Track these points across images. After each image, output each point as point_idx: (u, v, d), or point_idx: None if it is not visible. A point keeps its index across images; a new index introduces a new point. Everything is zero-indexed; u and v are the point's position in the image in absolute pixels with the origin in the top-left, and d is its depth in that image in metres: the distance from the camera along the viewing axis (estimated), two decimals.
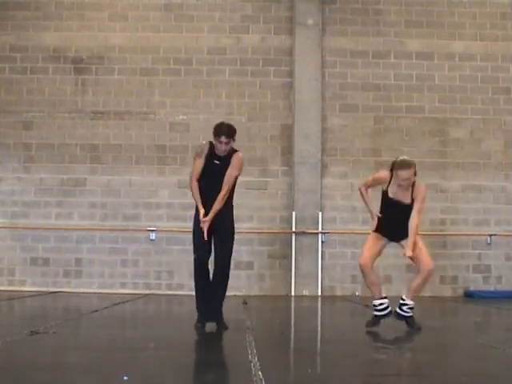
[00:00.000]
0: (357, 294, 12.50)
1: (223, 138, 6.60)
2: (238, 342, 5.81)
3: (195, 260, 6.70)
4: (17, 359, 4.90)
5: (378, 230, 7.01)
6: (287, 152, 12.87)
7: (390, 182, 6.88)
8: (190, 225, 11.84)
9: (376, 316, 6.95)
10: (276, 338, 6.67)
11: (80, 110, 12.88)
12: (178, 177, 12.54)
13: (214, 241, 6.71)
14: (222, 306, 6.73)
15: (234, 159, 6.70)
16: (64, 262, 12.60)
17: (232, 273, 12.28)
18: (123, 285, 12.56)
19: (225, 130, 6.68)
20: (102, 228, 12.65)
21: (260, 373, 4.28)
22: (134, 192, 12.76)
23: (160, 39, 12.99)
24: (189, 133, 12.73)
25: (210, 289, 6.68)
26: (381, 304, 6.95)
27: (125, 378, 4.10)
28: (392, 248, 12.00)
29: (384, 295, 7.00)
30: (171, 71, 12.95)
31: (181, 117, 12.91)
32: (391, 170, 6.90)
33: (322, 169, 12.76)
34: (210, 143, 6.75)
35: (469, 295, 12.50)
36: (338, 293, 12.55)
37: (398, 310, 7.01)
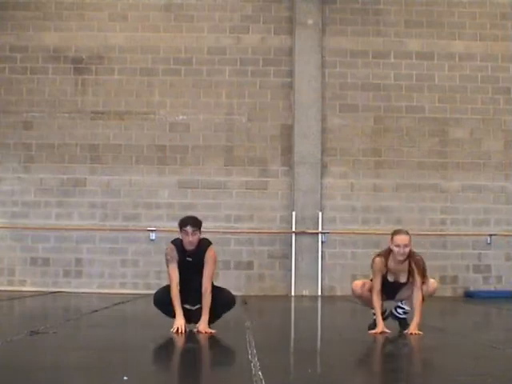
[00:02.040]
0: None
1: (189, 228, 6.36)
2: (238, 342, 5.81)
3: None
4: (17, 359, 4.90)
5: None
6: (287, 152, 12.87)
7: (386, 268, 6.76)
8: None
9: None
10: (276, 338, 6.67)
11: (80, 110, 12.88)
12: (177, 177, 12.55)
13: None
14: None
15: (208, 257, 6.47)
16: (64, 262, 12.60)
17: (232, 273, 12.39)
18: (123, 285, 12.56)
19: (190, 221, 6.47)
20: (102, 228, 12.65)
21: (260, 373, 4.28)
22: (134, 192, 12.76)
23: (160, 39, 12.99)
24: (189, 133, 12.74)
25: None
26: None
27: (125, 378, 4.10)
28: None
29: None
30: (171, 71, 12.95)
31: (181, 117, 12.91)
32: (386, 254, 6.78)
33: (322, 169, 12.76)
34: (175, 245, 6.55)
35: (469, 295, 12.50)
36: (338, 293, 12.55)
37: (393, 311, 7.01)
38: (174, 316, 6.42)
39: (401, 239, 6.77)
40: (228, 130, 12.90)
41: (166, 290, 6.63)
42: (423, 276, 6.87)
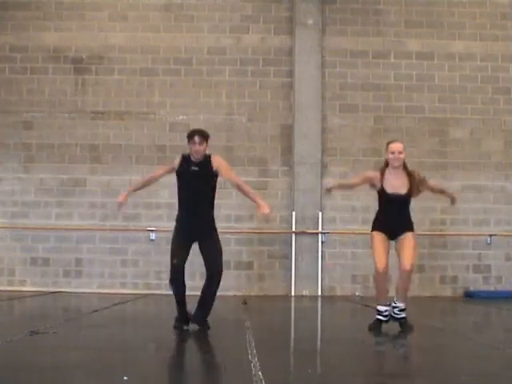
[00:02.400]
0: (357, 294, 12.50)
1: (196, 138, 6.83)
2: (238, 342, 5.81)
3: (172, 267, 6.77)
4: (17, 359, 4.90)
5: (378, 229, 7.02)
6: (287, 152, 12.87)
7: (383, 178, 6.95)
8: None
9: (379, 320, 6.95)
10: (276, 337, 6.67)
11: (80, 110, 12.88)
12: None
13: (203, 253, 6.78)
14: (210, 310, 6.81)
15: (217, 163, 6.93)
16: (64, 262, 12.60)
17: (232, 273, 12.38)
18: (123, 285, 12.56)
19: (197, 132, 6.97)
20: (102, 228, 12.65)
21: (260, 373, 4.28)
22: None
23: (160, 39, 12.99)
24: None
25: (184, 294, 6.77)
26: (386, 311, 6.94)
27: (125, 378, 4.10)
28: (392, 248, 12.01)
29: (388, 303, 6.99)
30: (171, 71, 12.95)
31: (181, 117, 12.91)
32: (382, 168, 7.04)
33: (322, 169, 12.76)
34: (183, 156, 6.99)
35: (469, 295, 12.50)
36: (338, 293, 12.55)
37: (393, 314, 7.04)
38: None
39: (395, 146, 7.03)
40: (228, 130, 12.90)
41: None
42: (424, 180, 7.12)
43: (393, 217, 6.99)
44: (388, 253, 7.00)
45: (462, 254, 12.85)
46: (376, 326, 6.87)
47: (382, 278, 6.94)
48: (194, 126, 12.76)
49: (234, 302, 10.92)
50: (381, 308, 6.97)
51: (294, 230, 12.53)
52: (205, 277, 6.81)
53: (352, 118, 12.91)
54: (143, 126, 12.86)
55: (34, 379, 4.22)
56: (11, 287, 12.41)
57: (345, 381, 4.39)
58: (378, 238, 7.00)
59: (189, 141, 6.94)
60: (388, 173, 7.02)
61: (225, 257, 12.20)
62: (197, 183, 6.82)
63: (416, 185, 7.05)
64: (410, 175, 7.06)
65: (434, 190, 7.42)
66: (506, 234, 12.79)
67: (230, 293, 12.32)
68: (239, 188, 6.99)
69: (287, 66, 12.97)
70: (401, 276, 6.97)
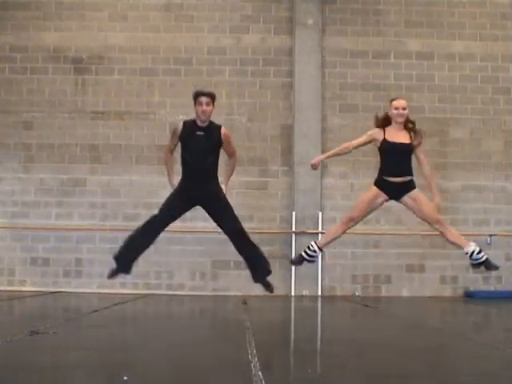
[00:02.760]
0: (357, 294, 12.50)
1: (203, 98, 6.63)
2: (238, 342, 5.81)
3: (151, 219, 6.70)
4: (17, 359, 4.90)
5: (379, 184, 7.07)
6: (287, 152, 12.87)
7: (385, 133, 7.07)
8: (190, 225, 11.95)
9: (302, 258, 7.09)
10: (276, 338, 6.67)
11: (80, 110, 12.89)
12: (177, 177, 12.50)
13: (216, 215, 6.71)
14: (267, 263, 6.78)
15: (225, 135, 6.80)
16: (64, 262, 12.60)
17: (232, 273, 12.37)
18: (123, 285, 12.55)
19: (205, 91, 6.80)
20: (102, 228, 12.65)
21: (260, 373, 4.28)
22: (134, 192, 12.76)
23: (160, 39, 13.00)
24: None
25: (143, 246, 6.72)
26: (316, 252, 7.08)
27: (125, 378, 4.10)
28: (392, 248, 12.04)
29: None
30: (171, 71, 12.95)
31: (181, 117, 12.82)
32: (382, 125, 7.25)
33: (322, 169, 12.75)
34: (184, 122, 6.84)
35: (469, 295, 12.50)
36: (338, 293, 12.55)
37: (470, 260, 7.05)
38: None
39: (399, 102, 7.22)
40: (228, 130, 12.86)
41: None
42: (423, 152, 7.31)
43: (395, 169, 7.03)
44: (372, 210, 7.08)
45: (462, 253, 12.77)
46: (297, 261, 7.00)
47: (347, 226, 7.06)
48: None
49: (234, 302, 10.93)
50: (317, 251, 7.07)
51: (293, 230, 12.53)
52: (226, 234, 6.76)
53: (352, 118, 12.91)
54: (143, 126, 12.86)
55: (33, 379, 4.22)
56: (11, 287, 12.41)
57: (345, 381, 4.39)
58: (373, 191, 7.06)
59: (195, 102, 6.70)
60: (390, 128, 7.14)
61: (225, 257, 12.30)
62: (201, 148, 6.63)
63: (416, 140, 7.16)
64: (412, 130, 7.17)
65: (423, 173, 7.43)
66: (506, 234, 12.79)
67: (230, 293, 12.33)
68: (231, 162, 6.89)
69: (287, 66, 12.97)
70: (440, 231, 6.99)
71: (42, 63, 12.94)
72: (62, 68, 12.94)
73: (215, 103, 6.83)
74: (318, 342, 6.63)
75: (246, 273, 12.76)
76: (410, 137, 7.17)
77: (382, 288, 12.66)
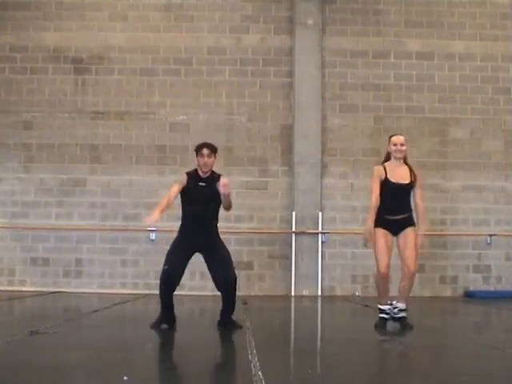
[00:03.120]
0: (357, 293, 12.50)
1: (205, 150, 6.86)
2: (238, 342, 5.81)
3: (163, 273, 6.81)
4: (17, 359, 4.90)
5: (380, 225, 7.03)
6: (287, 152, 12.87)
7: (386, 170, 7.04)
8: None
9: (383, 319, 7.01)
10: (276, 338, 6.67)
11: (80, 110, 12.88)
12: (177, 177, 12.50)
13: (212, 264, 6.82)
14: (232, 314, 6.96)
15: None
16: (64, 262, 12.60)
17: None
18: (123, 285, 12.56)
19: (206, 145, 6.97)
20: (102, 228, 12.64)
21: (260, 373, 4.28)
22: (134, 192, 12.75)
23: (160, 39, 12.99)
24: (189, 133, 12.73)
25: (172, 300, 6.87)
26: (389, 309, 7.02)
27: (125, 378, 4.10)
28: (393, 248, 11.98)
29: (389, 302, 7.05)
30: (171, 71, 12.95)
31: (181, 117, 12.91)
32: (383, 162, 7.22)
33: (322, 169, 12.76)
34: (187, 174, 7.02)
35: (469, 295, 12.50)
36: (338, 293, 12.55)
37: (392, 314, 7.10)
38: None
39: (397, 139, 7.20)
40: (228, 129, 12.90)
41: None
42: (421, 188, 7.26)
43: (395, 207, 7.04)
44: (391, 250, 7.03)
45: (461, 253, 12.85)
46: (381, 325, 6.93)
47: (384, 278, 6.97)
48: (194, 126, 12.85)
49: None
50: (383, 307, 7.02)
51: (293, 230, 12.53)
52: (214, 282, 6.87)
53: (352, 117, 12.91)
54: (143, 126, 12.86)
55: (34, 379, 4.22)
56: (11, 287, 12.41)
57: (345, 381, 4.39)
58: (381, 233, 7.01)
59: (197, 154, 6.95)
60: (390, 164, 7.11)
61: None
62: (203, 198, 6.86)
63: (415, 177, 7.15)
64: (410, 169, 7.15)
65: (416, 205, 7.34)
66: (506, 234, 12.79)
67: None
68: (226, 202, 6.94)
69: (287, 66, 12.97)
70: (404, 277, 7.01)
71: (42, 63, 12.94)
72: (62, 68, 12.94)
73: (216, 156, 7.05)
74: (318, 342, 6.63)
75: (246, 273, 12.83)
76: (410, 173, 7.13)
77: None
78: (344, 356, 5.44)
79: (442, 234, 12.79)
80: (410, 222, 7.10)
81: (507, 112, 13.08)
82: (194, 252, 6.91)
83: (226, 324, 6.84)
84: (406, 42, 13.10)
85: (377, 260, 6.98)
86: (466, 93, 13.03)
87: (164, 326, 6.71)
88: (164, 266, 6.82)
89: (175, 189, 7.03)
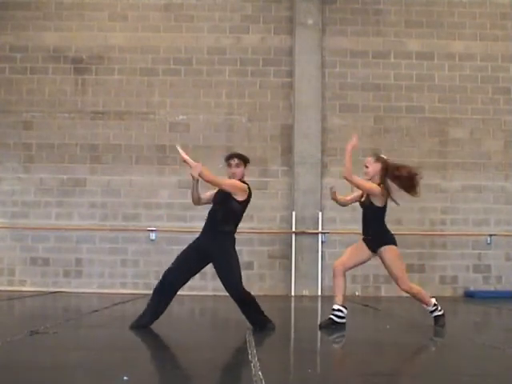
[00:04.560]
0: (357, 293, 12.50)
1: (232, 161, 6.78)
2: (238, 342, 5.81)
3: (167, 270, 6.73)
4: (17, 359, 4.90)
5: (363, 238, 7.19)
6: (287, 152, 12.87)
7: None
8: (190, 224, 11.95)
9: (331, 320, 6.96)
10: (276, 338, 6.67)
11: (80, 110, 12.88)
12: (178, 177, 12.53)
13: (217, 272, 6.70)
14: (263, 314, 6.80)
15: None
16: (64, 262, 12.60)
17: None
18: (123, 285, 12.56)
19: (236, 154, 6.93)
20: (102, 228, 12.65)
21: (260, 373, 4.28)
22: (134, 192, 12.75)
23: (160, 39, 13.00)
24: (189, 133, 12.74)
25: (162, 307, 6.74)
26: (341, 311, 6.98)
27: (125, 378, 4.10)
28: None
29: (344, 305, 7.05)
30: (171, 71, 12.95)
31: (181, 117, 12.91)
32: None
33: (322, 169, 12.76)
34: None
35: (469, 295, 12.50)
36: None
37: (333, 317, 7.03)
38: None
39: (365, 160, 7.42)
40: (228, 129, 12.90)
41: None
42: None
43: (364, 225, 7.14)
44: (359, 263, 7.06)
45: (461, 253, 12.85)
46: (327, 325, 6.90)
47: (334, 274, 7.06)
48: (194, 126, 12.85)
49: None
50: (336, 307, 7.00)
51: (293, 230, 12.53)
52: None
53: (352, 117, 12.91)
54: (143, 126, 12.86)
55: (34, 379, 4.22)
56: (11, 287, 12.41)
57: (345, 381, 4.39)
58: (357, 244, 7.13)
59: (227, 161, 6.86)
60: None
61: None
62: (217, 200, 6.75)
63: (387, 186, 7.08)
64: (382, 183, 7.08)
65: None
66: (506, 234, 12.80)
67: None
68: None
69: (287, 66, 12.97)
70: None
71: (42, 63, 12.94)
72: (62, 68, 12.95)
73: (246, 166, 6.89)
74: (318, 342, 6.63)
75: (246, 273, 12.78)
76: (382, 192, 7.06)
77: (381, 288, 12.66)
78: (344, 356, 5.44)
79: (441, 234, 12.80)
80: (380, 241, 7.04)
81: (507, 112, 13.08)
82: (203, 259, 6.73)
83: (255, 326, 6.67)
84: (406, 42, 13.10)
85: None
86: (466, 93, 13.03)
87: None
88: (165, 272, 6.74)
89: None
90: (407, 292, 7.08)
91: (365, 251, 7.07)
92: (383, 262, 7.01)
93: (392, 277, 7.04)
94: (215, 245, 6.66)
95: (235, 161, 6.80)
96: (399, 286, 7.02)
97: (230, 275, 6.69)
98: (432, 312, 7.10)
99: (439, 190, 12.88)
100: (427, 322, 7.24)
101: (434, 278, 12.71)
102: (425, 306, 7.12)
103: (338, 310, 6.95)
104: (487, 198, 12.93)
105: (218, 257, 6.69)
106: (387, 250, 6.95)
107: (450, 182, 12.92)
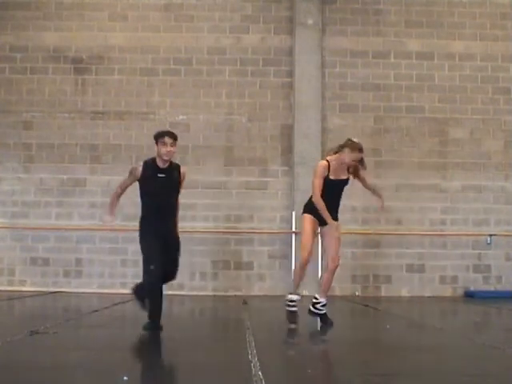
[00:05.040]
0: (357, 293, 12.50)
1: (167, 139, 6.61)
2: (238, 342, 5.81)
3: (150, 273, 6.73)
4: (17, 359, 4.90)
5: (310, 212, 7.16)
6: (287, 152, 12.87)
7: (329, 168, 7.13)
8: (189, 224, 11.94)
9: (294, 312, 7.12)
10: (276, 338, 6.67)
11: (80, 110, 12.88)
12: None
13: (167, 255, 6.74)
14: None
15: (183, 175, 6.90)
16: (64, 262, 12.60)
17: (232, 273, 12.38)
18: (123, 285, 12.54)
19: (168, 133, 6.75)
20: (101, 228, 12.63)
21: (260, 373, 4.28)
22: (134, 192, 12.71)
23: (160, 39, 13.00)
24: (189, 133, 12.73)
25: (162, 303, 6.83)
26: (293, 300, 7.12)
27: (125, 378, 4.10)
28: (392, 248, 12.00)
29: (299, 292, 7.21)
30: (171, 71, 12.95)
31: (181, 117, 12.91)
32: (333, 154, 7.33)
33: None
34: (145, 162, 6.81)
35: (469, 295, 12.50)
36: (338, 293, 12.53)
37: (312, 308, 7.18)
38: None
39: (357, 157, 7.22)
40: (228, 129, 12.90)
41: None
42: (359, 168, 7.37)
43: (330, 199, 7.12)
44: (315, 237, 7.10)
45: (461, 253, 12.85)
46: (293, 319, 7.02)
47: (305, 265, 7.10)
48: (194, 126, 12.86)
49: (234, 302, 10.92)
50: (295, 297, 7.10)
51: (293, 230, 12.52)
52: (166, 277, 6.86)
53: (352, 117, 12.91)
54: (143, 126, 12.85)
55: (34, 379, 4.22)
56: (11, 287, 12.41)
57: (345, 381, 4.39)
58: (310, 219, 7.12)
59: (157, 141, 6.68)
60: (335, 163, 7.25)
61: (225, 257, 12.30)
62: (164, 189, 6.73)
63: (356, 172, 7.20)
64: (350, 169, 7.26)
65: (365, 185, 7.52)
66: (506, 234, 12.79)
67: (231, 293, 12.33)
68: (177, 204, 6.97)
69: (287, 66, 12.97)
70: (328, 270, 7.10)
71: (42, 63, 12.94)
72: (62, 68, 12.94)
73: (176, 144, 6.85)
74: (318, 342, 6.63)
75: (246, 273, 12.83)
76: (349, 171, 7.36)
77: (381, 288, 12.66)
78: (344, 356, 5.44)
79: (441, 234, 12.80)
80: (336, 216, 7.19)
81: (507, 112, 13.08)
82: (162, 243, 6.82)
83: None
84: (406, 42, 13.10)
85: (302, 245, 7.08)
86: (466, 93, 13.03)
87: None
88: (149, 265, 6.71)
89: (125, 184, 6.95)
90: (336, 268, 7.14)
91: (316, 225, 7.17)
92: (336, 235, 7.08)
93: (337, 253, 7.11)
94: (173, 230, 6.94)
95: (170, 139, 6.66)
96: (337, 263, 7.12)
97: (179, 256, 6.96)
98: (317, 304, 7.18)
99: (439, 190, 12.88)
100: (427, 321, 7.24)
101: (433, 278, 12.71)
102: (324, 297, 7.18)
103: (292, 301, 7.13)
104: (487, 198, 12.93)
105: (175, 240, 6.97)
106: (340, 226, 7.10)
107: (449, 182, 12.92)
